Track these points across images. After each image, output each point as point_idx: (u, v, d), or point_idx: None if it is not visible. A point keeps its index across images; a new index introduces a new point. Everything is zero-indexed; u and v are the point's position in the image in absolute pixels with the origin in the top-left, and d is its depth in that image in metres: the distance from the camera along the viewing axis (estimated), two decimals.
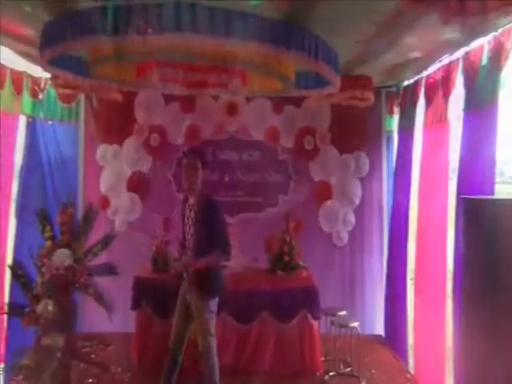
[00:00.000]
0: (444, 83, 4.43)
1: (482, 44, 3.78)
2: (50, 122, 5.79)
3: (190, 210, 3.84)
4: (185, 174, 3.80)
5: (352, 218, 6.15)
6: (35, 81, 5.50)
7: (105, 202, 5.98)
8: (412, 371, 5.08)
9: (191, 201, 3.86)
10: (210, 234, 3.74)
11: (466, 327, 3.12)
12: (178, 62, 3.24)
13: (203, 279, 3.79)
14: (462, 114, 4.08)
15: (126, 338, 5.06)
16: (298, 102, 5.89)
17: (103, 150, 6.04)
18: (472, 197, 3.26)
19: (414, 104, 5.23)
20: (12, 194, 5.37)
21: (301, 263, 5.03)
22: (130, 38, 2.65)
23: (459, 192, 3.85)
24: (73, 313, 4.22)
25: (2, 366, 4.94)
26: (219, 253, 3.79)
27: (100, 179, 6.05)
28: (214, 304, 3.87)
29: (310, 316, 4.87)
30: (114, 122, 6.02)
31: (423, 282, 4.91)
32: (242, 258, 5.09)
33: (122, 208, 6.03)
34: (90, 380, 4.55)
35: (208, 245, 3.73)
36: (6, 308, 4.26)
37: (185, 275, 3.86)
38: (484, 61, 3.76)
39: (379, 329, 6.07)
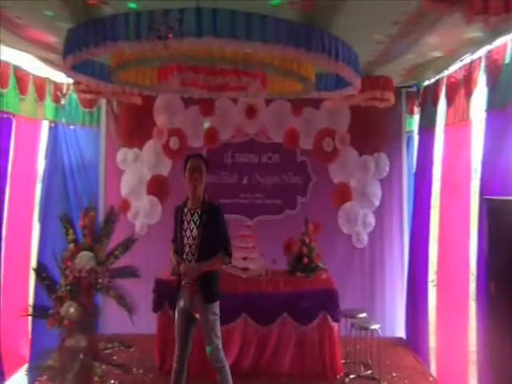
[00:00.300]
0: (466, 82, 4.38)
1: (506, 42, 3.73)
2: (71, 127, 5.88)
3: (193, 214, 3.73)
4: (189, 178, 3.69)
5: (372, 220, 6.13)
6: (58, 86, 5.61)
7: (125, 206, 6.05)
8: (434, 374, 5.03)
9: (193, 204, 3.76)
10: (216, 237, 3.72)
11: (490, 330, 3.08)
12: (198, 66, 3.27)
13: (208, 283, 3.73)
14: (484, 114, 4.04)
15: (147, 340, 5.09)
16: (317, 103, 5.90)
17: (123, 154, 6.12)
18: (496, 197, 3.22)
19: (434, 104, 5.18)
20: (36, 199, 5.47)
21: (320, 265, 5.01)
22: (152, 43, 2.67)
23: (482, 193, 3.81)
24: (95, 314, 4.27)
25: (27, 366, 5.03)
26: (223, 255, 3.76)
27: (121, 183, 6.12)
28: (217, 306, 3.83)
29: (329, 318, 4.84)
30: (134, 126, 6.09)
31: (445, 284, 4.86)
32: (260, 260, 5.10)
33: (143, 211, 6.10)
34: (112, 381, 4.60)
35: (212, 248, 3.70)
36: (30, 310, 4.31)
37: (186, 281, 3.73)
38: (507, 59, 3.71)
39: (400, 331, 6.03)
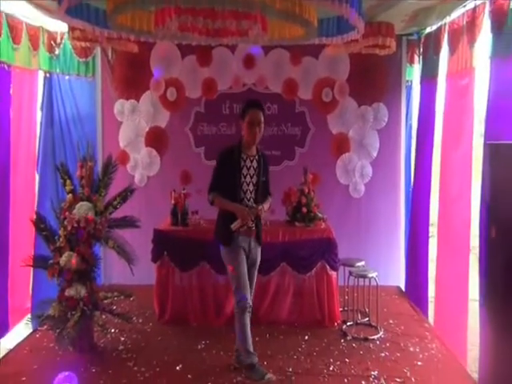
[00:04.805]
0: (469, 29, 4.28)
1: None
2: (66, 77, 5.78)
3: (252, 161, 3.81)
4: (249, 130, 3.72)
5: (369, 171, 6.15)
6: (51, 36, 5.50)
7: (124, 157, 6.02)
8: (431, 322, 5.15)
9: (251, 152, 3.84)
10: (267, 181, 3.94)
11: (490, 274, 3.12)
12: (197, 9, 3.17)
13: (259, 225, 3.92)
14: (489, 61, 3.96)
15: (147, 290, 5.16)
16: (316, 52, 5.81)
17: (120, 106, 6.04)
18: (498, 142, 3.19)
19: (436, 52, 5.08)
20: (36, 150, 5.44)
21: (319, 214, 5.03)
22: None
23: (486, 140, 3.77)
24: (94, 264, 4.30)
25: (28, 317, 5.12)
26: (269, 197, 3.99)
27: (119, 134, 6.06)
28: None
29: (328, 267, 4.89)
30: (130, 77, 5.99)
31: (446, 234, 4.92)
32: None
33: (141, 163, 6.08)
34: (112, 330, 4.67)
35: (263, 191, 3.89)
36: (31, 261, 4.34)
37: (251, 224, 3.82)
38: None
39: (395, 280, 6.13)
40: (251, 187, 3.81)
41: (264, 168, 3.88)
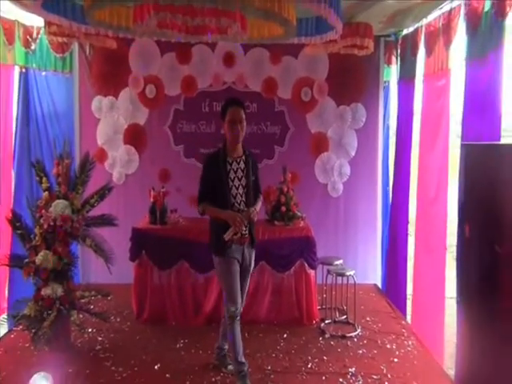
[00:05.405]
0: (445, 31, 4.35)
1: None
2: (43, 73, 5.69)
3: (239, 162, 3.63)
4: (230, 130, 3.55)
5: (347, 170, 6.21)
6: (27, 30, 5.40)
7: (102, 155, 5.96)
8: (409, 320, 5.22)
9: (236, 153, 3.66)
10: (257, 179, 3.79)
11: (465, 272, 3.18)
12: (176, 6, 3.15)
13: (252, 228, 3.74)
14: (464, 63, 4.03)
15: (125, 289, 5.12)
16: (295, 52, 5.84)
17: (98, 102, 5.98)
18: (472, 143, 3.26)
19: (414, 53, 5.16)
20: (12, 147, 5.35)
21: (298, 213, 5.06)
22: None
23: (462, 140, 3.84)
24: (72, 263, 4.25)
25: (5, 316, 5.03)
26: (260, 197, 3.86)
27: (97, 131, 6.00)
28: None
29: (306, 265, 4.93)
30: (109, 73, 5.93)
31: (423, 233, 4.99)
32: None
33: (120, 161, 6.03)
34: (90, 330, 4.62)
35: (254, 192, 3.73)
36: (7, 260, 4.27)
37: (244, 230, 3.62)
38: (487, 6, 3.67)
39: (371, 278, 6.22)
40: (241, 190, 3.63)
41: (253, 167, 3.71)
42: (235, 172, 3.63)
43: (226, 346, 3.96)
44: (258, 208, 3.76)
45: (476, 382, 3.09)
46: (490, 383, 2.95)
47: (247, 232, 3.67)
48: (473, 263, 3.01)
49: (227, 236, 3.51)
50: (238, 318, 3.65)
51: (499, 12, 3.49)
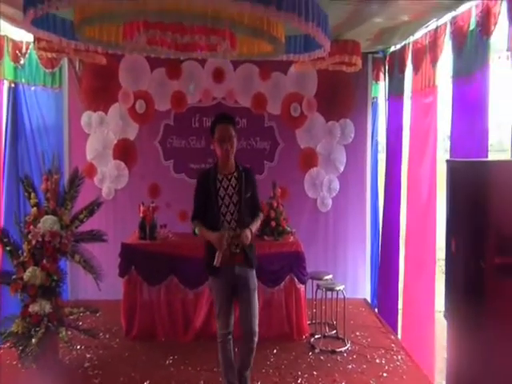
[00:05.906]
0: (431, 48, 4.44)
1: (470, 8, 3.78)
2: (32, 88, 5.69)
3: (230, 179, 3.51)
4: (220, 147, 3.45)
5: (336, 185, 6.26)
6: (16, 45, 5.39)
7: (91, 170, 5.95)
8: (398, 334, 5.22)
9: (228, 170, 3.53)
10: (254, 198, 3.62)
11: (452, 287, 3.20)
12: (166, 23, 3.18)
13: (251, 247, 3.57)
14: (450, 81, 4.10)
15: (113, 305, 5.08)
16: (285, 68, 5.90)
17: (87, 117, 5.98)
18: (456, 159, 3.30)
19: (401, 70, 5.25)
20: (2, 162, 5.32)
21: (288, 228, 5.07)
22: None
23: (450, 156, 3.90)
24: (60, 280, 4.22)
25: None
26: (259, 214, 3.70)
27: (86, 147, 6.00)
28: None
29: (296, 280, 4.93)
30: (98, 88, 5.94)
31: (413, 247, 5.03)
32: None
33: (109, 176, 6.02)
34: (78, 346, 4.57)
35: (249, 210, 3.56)
36: None
37: (234, 248, 3.45)
38: (472, 25, 3.75)
39: (361, 293, 6.23)
40: (232, 208, 3.49)
41: (247, 183, 3.53)
42: (225, 189, 3.51)
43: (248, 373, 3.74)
44: (255, 228, 3.61)
45: None
46: None
47: (238, 251, 3.48)
48: (459, 277, 3.03)
49: (216, 262, 3.38)
50: (229, 338, 3.58)
51: (484, 30, 3.57)
